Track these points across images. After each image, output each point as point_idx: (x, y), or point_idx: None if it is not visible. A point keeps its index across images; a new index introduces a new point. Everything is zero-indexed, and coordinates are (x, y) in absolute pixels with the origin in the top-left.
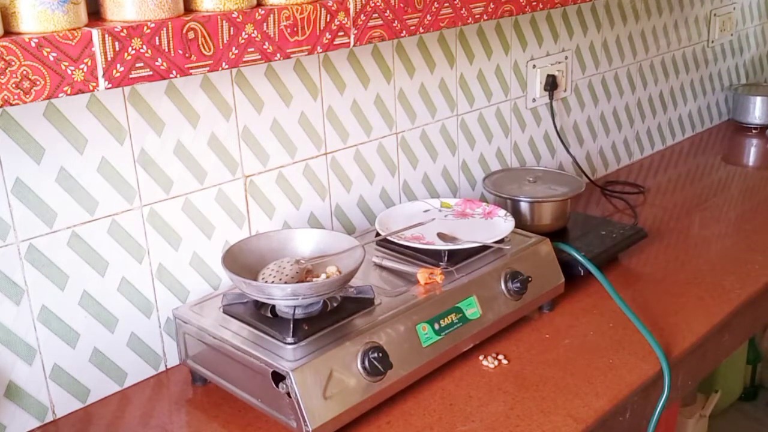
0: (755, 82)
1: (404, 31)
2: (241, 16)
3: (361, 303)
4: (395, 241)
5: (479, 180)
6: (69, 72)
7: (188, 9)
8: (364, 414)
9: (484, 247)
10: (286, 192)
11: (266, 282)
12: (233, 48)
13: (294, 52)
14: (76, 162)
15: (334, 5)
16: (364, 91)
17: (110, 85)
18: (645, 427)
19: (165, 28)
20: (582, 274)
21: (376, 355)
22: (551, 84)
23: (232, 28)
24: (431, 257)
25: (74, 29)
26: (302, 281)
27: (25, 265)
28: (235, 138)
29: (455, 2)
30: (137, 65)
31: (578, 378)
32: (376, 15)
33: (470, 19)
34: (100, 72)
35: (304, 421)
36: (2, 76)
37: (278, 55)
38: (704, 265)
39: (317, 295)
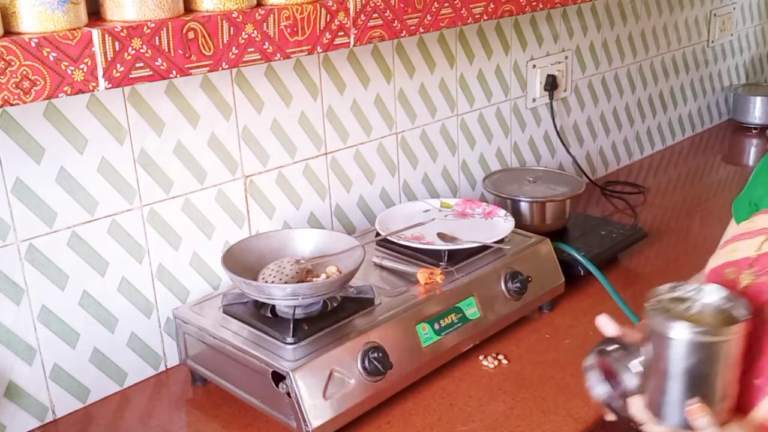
0: (755, 82)
1: (404, 31)
2: (241, 16)
3: (361, 303)
4: (395, 241)
5: (479, 180)
6: (69, 72)
7: (188, 9)
8: (364, 414)
9: (484, 247)
10: (286, 192)
11: (266, 282)
12: (233, 48)
13: (294, 52)
14: (76, 162)
15: (334, 5)
16: (364, 91)
17: (110, 85)
18: None
19: (165, 28)
20: (582, 274)
21: (376, 355)
22: (551, 84)
23: (232, 28)
24: (431, 257)
25: (74, 29)
26: (302, 281)
27: (25, 265)
28: (235, 138)
29: (455, 2)
30: (137, 65)
31: (578, 378)
32: (376, 15)
33: (470, 19)
34: (100, 72)
35: (304, 421)
36: (2, 76)
37: (278, 55)
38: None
39: (317, 295)
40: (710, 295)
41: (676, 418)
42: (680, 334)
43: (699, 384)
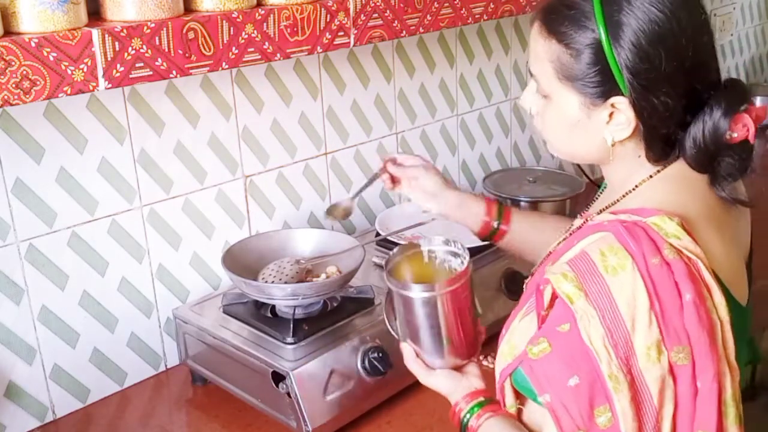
0: (755, 82)
1: (404, 31)
2: (241, 16)
3: (361, 303)
4: (395, 241)
5: (479, 180)
6: (69, 72)
7: (188, 9)
8: (364, 414)
9: (484, 247)
10: (286, 192)
11: (266, 282)
12: (233, 48)
13: (294, 52)
14: (76, 162)
15: (334, 5)
16: (364, 91)
17: (110, 85)
18: None
19: (165, 28)
20: None
21: (376, 355)
22: None
23: (232, 28)
24: None
25: (74, 29)
26: (302, 281)
27: (25, 265)
28: (235, 138)
29: (455, 2)
30: (137, 65)
31: None
32: (376, 15)
33: (470, 19)
34: (100, 72)
35: (304, 421)
36: (2, 76)
37: (278, 55)
38: None
39: (317, 295)
40: (437, 245)
41: (436, 362)
42: (413, 293)
43: (438, 329)
